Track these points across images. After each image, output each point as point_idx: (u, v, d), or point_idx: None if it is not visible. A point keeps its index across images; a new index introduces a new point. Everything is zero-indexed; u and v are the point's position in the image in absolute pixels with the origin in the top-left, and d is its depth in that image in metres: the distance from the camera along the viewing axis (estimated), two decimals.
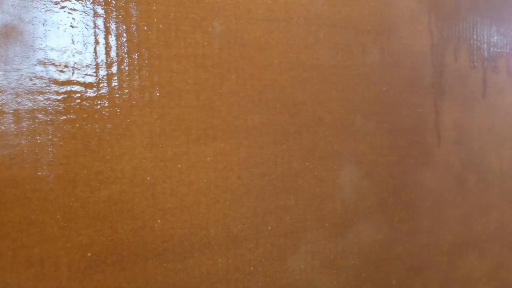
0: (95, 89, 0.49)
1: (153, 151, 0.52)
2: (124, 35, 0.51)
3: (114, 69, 0.50)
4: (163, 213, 0.53)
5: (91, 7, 0.49)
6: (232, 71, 0.57)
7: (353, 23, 0.68)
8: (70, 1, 0.48)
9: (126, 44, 0.51)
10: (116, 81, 0.50)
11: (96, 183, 0.49)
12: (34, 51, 0.46)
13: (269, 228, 0.61)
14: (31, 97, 0.46)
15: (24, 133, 0.45)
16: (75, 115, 0.48)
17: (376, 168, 0.71)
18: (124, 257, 0.51)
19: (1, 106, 0.44)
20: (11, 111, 0.45)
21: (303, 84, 0.63)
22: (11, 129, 0.45)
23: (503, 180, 0.91)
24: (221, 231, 0.57)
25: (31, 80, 0.46)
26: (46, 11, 0.47)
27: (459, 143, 0.83)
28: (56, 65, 0.47)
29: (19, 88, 0.45)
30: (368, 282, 0.71)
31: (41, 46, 0.46)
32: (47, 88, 0.47)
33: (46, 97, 0.46)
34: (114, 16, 0.50)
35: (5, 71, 0.45)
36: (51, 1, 0.47)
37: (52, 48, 0.47)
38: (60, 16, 0.47)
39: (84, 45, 0.48)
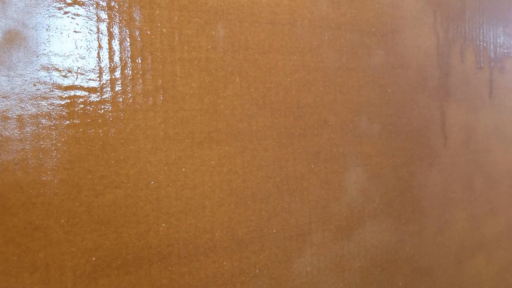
0: (98, 93, 0.49)
1: (157, 155, 0.52)
2: (128, 39, 0.51)
3: (117, 73, 0.50)
4: (167, 216, 0.53)
5: (95, 12, 0.49)
6: (236, 74, 0.57)
7: (358, 25, 0.68)
8: (74, 7, 0.48)
9: (129, 48, 0.51)
10: (120, 85, 0.50)
11: (101, 187, 0.49)
12: (37, 56, 0.46)
13: (274, 230, 0.60)
14: (34, 102, 0.46)
15: (28, 139, 0.46)
16: (79, 120, 0.48)
17: (381, 169, 0.70)
18: (129, 261, 0.51)
19: (5, 111, 0.45)
20: (15, 116, 0.45)
21: (308, 87, 0.63)
22: (15, 135, 0.45)
23: (510, 180, 0.90)
24: (226, 234, 0.57)
25: (34, 85, 0.46)
26: (49, 16, 0.47)
27: (466, 144, 0.82)
28: (59, 70, 0.47)
29: (22, 93, 0.45)
30: (374, 284, 0.70)
31: (44, 52, 0.46)
32: (51, 93, 0.47)
33: (49, 102, 0.47)
34: (118, 21, 0.50)
35: (9, 77, 0.45)
36: (55, 7, 0.47)
37: (55, 54, 0.47)
38: (64, 22, 0.47)
39: (87, 50, 0.48)
